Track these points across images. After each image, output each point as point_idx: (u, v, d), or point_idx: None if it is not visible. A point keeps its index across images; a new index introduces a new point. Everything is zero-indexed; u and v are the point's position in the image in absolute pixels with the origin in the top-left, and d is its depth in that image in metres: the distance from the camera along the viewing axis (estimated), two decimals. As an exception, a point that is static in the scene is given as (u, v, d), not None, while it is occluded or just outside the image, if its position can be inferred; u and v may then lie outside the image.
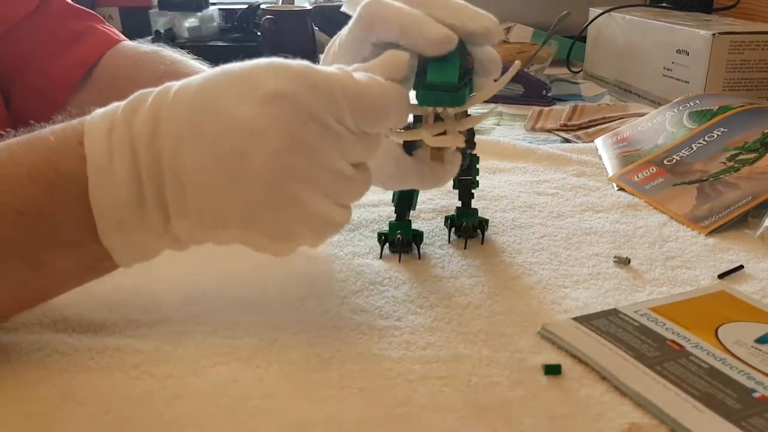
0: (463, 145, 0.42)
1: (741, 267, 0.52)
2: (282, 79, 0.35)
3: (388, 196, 0.57)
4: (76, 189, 0.35)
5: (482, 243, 0.56)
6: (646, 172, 0.69)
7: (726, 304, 0.46)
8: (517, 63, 0.42)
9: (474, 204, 0.57)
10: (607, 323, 0.43)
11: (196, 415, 0.35)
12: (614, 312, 0.45)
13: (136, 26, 1.28)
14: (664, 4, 1.21)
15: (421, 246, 0.54)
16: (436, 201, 0.64)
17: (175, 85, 0.36)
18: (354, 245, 0.55)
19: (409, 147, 0.45)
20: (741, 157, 0.66)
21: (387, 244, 0.53)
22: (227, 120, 0.35)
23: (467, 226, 0.55)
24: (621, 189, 0.69)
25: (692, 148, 0.70)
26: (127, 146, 0.35)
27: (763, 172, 0.63)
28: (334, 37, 0.46)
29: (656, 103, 0.97)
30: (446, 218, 0.58)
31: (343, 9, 0.48)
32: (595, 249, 0.55)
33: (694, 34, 0.92)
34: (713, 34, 0.89)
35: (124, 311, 0.44)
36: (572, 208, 0.63)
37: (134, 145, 0.35)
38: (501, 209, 0.63)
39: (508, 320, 0.45)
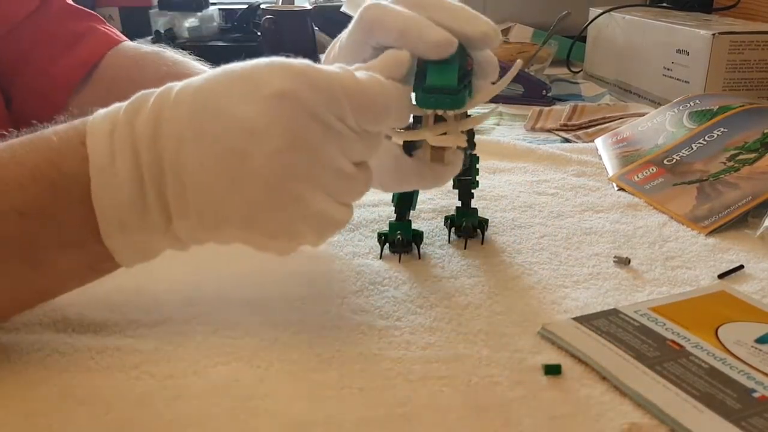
0: (464, 144, 0.42)
1: (741, 267, 0.52)
2: (283, 78, 0.35)
3: (388, 196, 0.57)
4: (78, 189, 0.36)
5: (482, 243, 0.56)
6: (646, 172, 0.69)
7: (726, 304, 0.46)
8: (519, 62, 0.42)
9: (474, 204, 0.57)
10: (607, 323, 0.43)
11: (196, 415, 0.35)
12: (614, 312, 0.45)
13: (136, 26, 1.28)
14: (664, 4, 1.21)
15: (421, 246, 0.54)
16: (436, 201, 0.64)
17: (177, 85, 0.37)
18: (354, 245, 0.55)
19: (409, 148, 0.45)
20: (741, 157, 0.66)
21: (387, 244, 0.53)
22: (228, 120, 0.35)
23: (467, 226, 0.55)
24: (621, 189, 0.69)
25: (692, 148, 0.70)
26: (129, 147, 0.35)
27: (763, 172, 0.63)
28: (335, 40, 0.46)
29: (656, 103, 0.97)
30: (446, 218, 0.58)
31: (343, 9, 0.48)
32: (595, 249, 0.55)
33: (694, 34, 0.92)
34: (713, 34, 0.89)
35: (125, 311, 0.44)
36: (572, 208, 0.63)
37: (136, 145, 0.35)
38: (501, 209, 0.63)
39: (508, 320, 0.45)
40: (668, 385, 0.37)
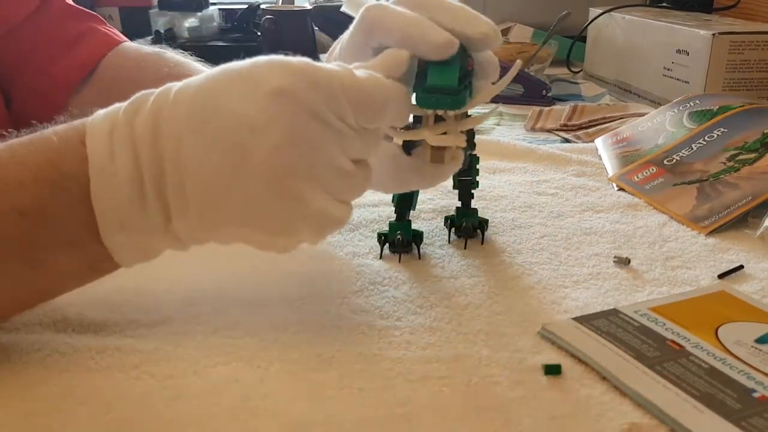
0: (464, 144, 0.42)
1: (741, 267, 0.52)
2: (282, 75, 0.35)
3: (388, 196, 0.57)
4: (78, 189, 0.36)
5: (482, 243, 0.56)
6: (646, 172, 0.69)
7: (726, 304, 0.46)
8: (519, 63, 0.42)
9: (474, 204, 0.57)
10: (607, 323, 0.43)
11: (196, 415, 0.35)
12: (614, 312, 0.45)
13: (136, 26, 1.28)
14: (664, 4, 1.21)
15: (421, 246, 0.54)
16: (436, 201, 0.64)
17: (176, 85, 0.37)
18: (354, 245, 0.55)
19: (409, 147, 0.45)
20: (741, 157, 0.66)
21: (387, 244, 0.53)
22: (228, 118, 0.35)
23: (467, 226, 0.55)
24: (621, 189, 0.69)
25: (692, 148, 0.70)
26: (128, 147, 0.35)
27: (763, 172, 0.63)
28: (335, 42, 0.46)
29: (656, 103, 0.97)
30: (446, 218, 0.58)
31: (343, 9, 0.48)
32: (595, 249, 0.55)
33: (694, 34, 0.92)
34: (713, 34, 0.89)
35: (125, 311, 0.44)
36: (572, 208, 0.63)
37: (135, 145, 0.35)
38: (501, 209, 0.63)
39: (508, 320, 0.45)
40: (668, 385, 0.37)
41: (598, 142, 0.81)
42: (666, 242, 0.57)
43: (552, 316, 0.45)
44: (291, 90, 0.35)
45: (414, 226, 0.54)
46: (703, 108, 0.76)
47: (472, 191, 0.57)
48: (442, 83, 0.39)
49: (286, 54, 0.37)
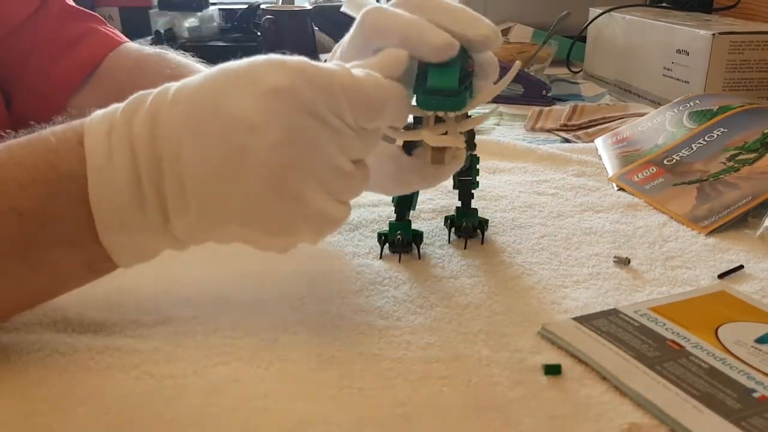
0: (463, 145, 0.42)
1: (741, 267, 0.52)
2: (280, 74, 0.35)
3: (388, 196, 0.57)
4: (76, 189, 0.36)
5: (482, 243, 0.56)
6: (646, 172, 0.69)
7: (726, 304, 0.46)
8: (518, 64, 0.42)
9: (474, 204, 0.57)
10: (607, 323, 0.43)
11: (196, 415, 0.35)
12: (614, 312, 0.45)
13: (136, 26, 1.28)
14: (664, 4, 1.21)
15: (421, 246, 0.54)
16: (436, 201, 0.64)
17: (174, 85, 0.37)
18: (354, 245, 0.55)
19: (409, 147, 0.45)
20: (741, 157, 0.66)
21: (387, 244, 0.53)
22: (227, 117, 0.35)
23: (467, 226, 0.55)
24: (621, 189, 0.69)
25: (692, 148, 0.70)
26: (126, 147, 0.35)
27: (763, 172, 0.63)
28: (336, 45, 0.46)
29: (656, 103, 0.97)
30: (446, 218, 0.58)
31: (343, 9, 0.48)
32: (595, 249, 0.55)
33: (694, 34, 0.92)
34: (713, 34, 0.89)
35: (125, 311, 0.44)
36: (572, 208, 0.63)
37: (134, 145, 0.35)
38: (501, 209, 0.63)
39: (508, 320, 0.45)
40: (668, 385, 0.37)
41: (598, 142, 0.81)
42: (666, 242, 0.57)
43: (552, 316, 0.45)
44: (289, 89, 0.35)
45: (414, 226, 0.54)
46: (703, 108, 0.76)
47: (472, 191, 0.57)
48: (442, 85, 0.39)
49: (284, 53, 0.37)
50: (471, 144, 0.54)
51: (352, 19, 0.43)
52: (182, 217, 0.36)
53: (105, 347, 0.40)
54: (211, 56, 0.64)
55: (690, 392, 0.37)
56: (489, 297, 0.47)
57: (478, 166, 0.56)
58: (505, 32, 1.34)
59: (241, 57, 0.37)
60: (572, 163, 0.76)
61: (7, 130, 0.39)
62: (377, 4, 0.42)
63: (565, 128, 0.91)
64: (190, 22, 1.25)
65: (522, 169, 0.74)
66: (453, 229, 0.57)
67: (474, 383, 0.38)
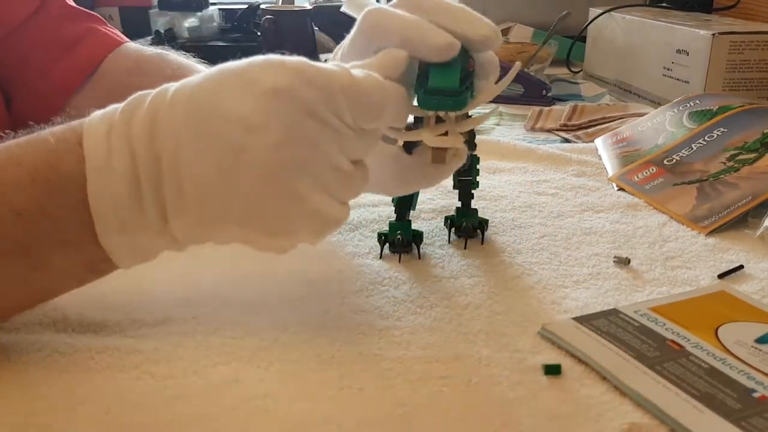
0: (463, 146, 0.42)
1: (741, 267, 0.52)
2: (279, 74, 0.35)
3: (389, 197, 0.57)
4: (75, 190, 0.36)
5: (482, 243, 0.56)
6: (646, 172, 0.69)
7: (726, 304, 0.46)
8: (518, 64, 0.42)
9: (474, 204, 0.57)
10: (607, 323, 0.43)
11: (196, 415, 0.35)
12: (614, 312, 0.45)
13: (136, 26, 1.28)
14: (664, 4, 1.21)
15: (421, 246, 0.54)
16: (436, 201, 0.64)
17: (173, 86, 0.37)
18: (354, 245, 0.55)
19: (409, 146, 0.45)
20: (741, 157, 0.66)
21: (387, 244, 0.53)
22: (225, 117, 0.35)
23: (467, 226, 0.55)
24: (621, 189, 0.69)
25: (692, 148, 0.70)
26: (125, 147, 0.35)
27: (763, 172, 0.63)
28: (337, 48, 0.46)
29: (656, 103, 0.97)
30: (446, 218, 0.58)
31: (343, 9, 0.48)
32: (595, 249, 0.55)
33: (694, 34, 0.92)
34: (713, 34, 0.89)
35: (125, 311, 0.44)
36: (572, 208, 0.63)
37: (132, 146, 0.35)
38: (501, 209, 0.63)
39: (508, 320, 0.45)
40: (668, 385, 0.37)
41: (598, 142, 0.81)
42: (666, 242, 0.57)
43: (552, 316, 0.45)
44: (288, 89, 0.35)
45: (414, 226, 0.54)
46: (703, 108, 0.76)
47: (472, 191, 0.57)
48: (443, 85, 0.39)
49: (283, 53, 0.37)
50: (471, 144, 0.54)
51: (352, 19, 0.43)
52: (181, 217, 0.36)
53: (105, 347, 0.40)
54: (211, 56, 0.64)
55: (690, 392, 0.37)
56: (489, 297, 0.47)
57: (478, 166, 0.56)
58: (505, 32, 1.34)
59: (240, 57, 0.37)
60: (572, 163, 0.76)
61: (7, 131, 0.39)
62: (377, 5, 0.42)
63: (565, 128, 0.91)
64: (190, 22, 1.25)
65: (522, 169, 0.74)
66: (453, 229, 0.57)
67: (474, 383, 0.38)
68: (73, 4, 0.66)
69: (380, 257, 0.53)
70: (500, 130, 0.92)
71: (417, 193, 0.56)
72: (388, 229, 0.54)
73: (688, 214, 0.61)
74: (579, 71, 1.23)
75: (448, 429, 0.35)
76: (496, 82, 0.43)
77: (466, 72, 0.41)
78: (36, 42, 0.62)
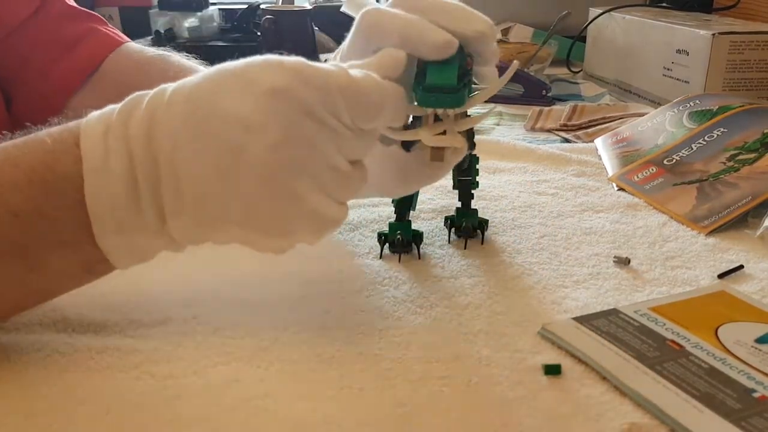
0: (461, 145, 0.42)
1: (741, 267, 0.52)
2: (277, 74, 0.35)
3: (389, 198, 0.57)
4: (72, 190, 0.35)
5: (482, 243, 0.56)
6: (646, 172, 0.69)
7: (726, 304, 0.46)
8: (516, 63, 0.42)
9: (474, 204, 0.57)
10: (607, 323, 0.43)
11: (196, 415, 0.35)
12: (614, 312, 0.45)
13: (136, 26, 1.28)
14: (664, 4, 1.21)
15: (421, 246, 0.54)
16: (436, 201, 0.64)
17: (171, 86, 0.37)
18: (354, 245, 0.55)
19: (408, 145, 0.45)
20: (741, 157, 0.66)
21: (387, 244, 0.53)
22: (224, 117, 0.35)
23: (467, 226, 0.55)
24: (621, 189, 0.69)
25: (692, 148, 0.70)
26: (122, 148, 0.35)
27: (763, 172, 0.63)
28: (337, 50, 0.46)
29: (656, 103, 0.97)
30: (446, 218, 0.58)
31: (343, 9, 0.48)
32: (595, 249, 0.55)
33: (694, 34, 0.92)
34: (713, 34, 0.89)
35: (125, 311, 0.44)
36: (572, 208, 0.63)
37: (130, 146, 0.35)
38: (501, 209, 0.63)
39: (508, 320, 0.45)
40: (668, 385, 0.37)
41: (598, 142, 0.81)
42: (666, 242, 0.57)
43: (552, 316, 0.45)
44: (286, 89, 0.35)
45: (414, 226, 0.54)
46: (703, 108, 0.76)
47: (472, 191, 0.57)
48: (441, 82, 0.39)
49: (281, 53, 0.37)
50: (471, 144, 0.54)
51: (352, 19, 0.43)
52: (179, 217, 0.36)
53: (105, 347, 0.40)
54: (211, 56, 0.64)
55: (690, 392, 0.37)
56: (489, 297, 0.47)
57: (478, 166, 0.56)
58: (505, 32, 1.34)
59: (240, 57, 0.37)
60: (572, 163, 0.76)
61: (4, 132, 0.39)
62: (376, 5, 0.42)
63: (565, 128, 0.91)
64: (190, 22, 1.25)
65: (522, 169, 0.74)
66: (453, 229, 0.57)
67: (474, 383, 0.38)
68: (74, 4, 0.66)
69: (380, 257, 0.53)
70: (500, 130, 0.92)
71: (417, 193, 0.56)
72: (388, 229, 0.54)
73: (688, 214, 0.61)
74: (579, 71, 1.23)
75: (448, 429, 0.35)
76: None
77: (464, 70, 0.41)
78: (36, 42, 0.62)
